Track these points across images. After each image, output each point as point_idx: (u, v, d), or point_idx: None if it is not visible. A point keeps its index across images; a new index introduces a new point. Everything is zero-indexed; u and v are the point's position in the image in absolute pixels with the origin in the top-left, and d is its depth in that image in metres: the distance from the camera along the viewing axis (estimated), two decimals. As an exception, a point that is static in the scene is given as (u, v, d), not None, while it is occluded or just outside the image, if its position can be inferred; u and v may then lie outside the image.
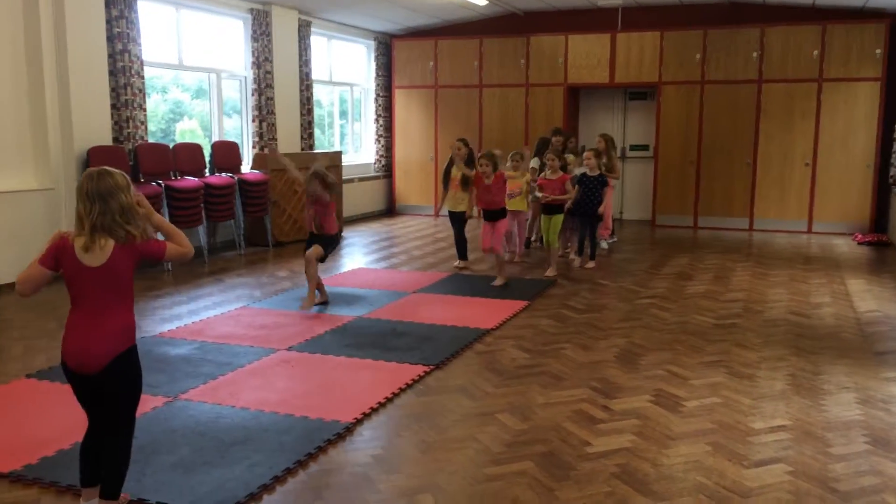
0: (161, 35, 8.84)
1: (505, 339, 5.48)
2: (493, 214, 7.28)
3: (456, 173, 7.86)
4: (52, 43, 7.31)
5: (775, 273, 7.98)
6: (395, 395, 4.32)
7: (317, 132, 11.62)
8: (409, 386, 4.47)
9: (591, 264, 8.07)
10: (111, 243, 2.69)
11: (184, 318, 5.99)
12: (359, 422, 3.93)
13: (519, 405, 4.21)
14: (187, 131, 9.89)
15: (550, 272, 7.72)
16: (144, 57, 8.26)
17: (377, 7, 11.19)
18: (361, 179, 12.42)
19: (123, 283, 2.76)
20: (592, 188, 7.97)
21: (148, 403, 4.09)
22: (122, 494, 2.91)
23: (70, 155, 7.47)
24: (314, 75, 11.30)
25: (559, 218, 7.81)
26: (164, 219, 2.93)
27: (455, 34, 12.65)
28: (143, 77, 8.17)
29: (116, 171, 2.76)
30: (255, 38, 9.88)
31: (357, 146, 13.07)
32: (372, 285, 7.20)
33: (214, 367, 4.72)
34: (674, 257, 8.93)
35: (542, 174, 8.02)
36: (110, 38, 7.82)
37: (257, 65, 9.92)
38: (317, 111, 11.58)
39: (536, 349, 5.26)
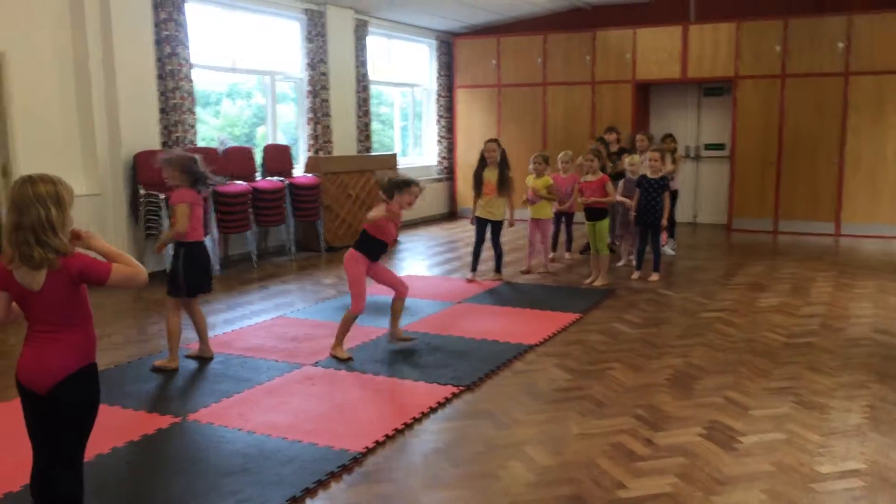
0: (214, 38, 8.72)
1: (547, 357, 5.04)
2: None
3: (490, 176, 7.27)
4: (98, 48, 7.25)
5: (861, 284, 7.25)
6: (416, 419, 3.96)
7: (376, 134, 11.38)
8: (432, 410, 4.10)
9: (654, 277, 7.46)
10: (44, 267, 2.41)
11: (216, 328, 5.78)
12: (370, 451, 3.58)
13: (551, 436, 3.78)
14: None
15: (598, 281, 7.21)
16: (195, 60, 8.16)
17: (437, 5, 10.87)
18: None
19: (68, 307, 2.48)
20: (653, 192, 7.37)
21: (153, 424, 3.86)
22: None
23: (117, 160, 7.40)
24: (373, 76, 11.06)
25: (604, 224, 7.29)
26: (107, 245, 2.58)
27: (518, 31, 12.20)
28: (191, 80, 8.06)
29: (50, 178, 2.43)
30: (309, 39, 9.69)
31: (419, 148, 12.78)
32: (417, 294, 6.82)
33: (232, 384, 4.46)
34: (748, 265, 8.27)
35: (584, 177, 7.53)
36: (158, 42, 7.72)
37: (312, 66, 9.73)
38: (377, 113, 11.34)
39: (581, 369, 4.81)
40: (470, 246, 7.80)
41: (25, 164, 6.83)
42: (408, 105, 12.57)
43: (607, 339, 5.46)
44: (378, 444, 3.65)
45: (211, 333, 5.62)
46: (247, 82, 9.43)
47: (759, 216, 10.80)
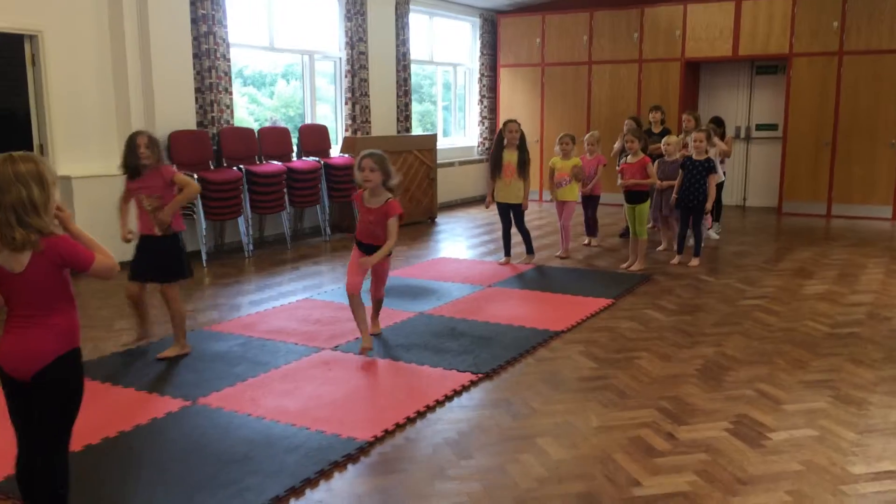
0: (251, 16, 8.68)
1: (573, 345, 4.87)
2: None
3: (510, 158, 6.99)
4: (135, 26, 7.25)
5: (916, 271, 6.89)
6: (430, 408, 3.85)
7: (420, 115, 11.25)
8: (447, 398, 3.98)
9: (694, 262, 7.19)
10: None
11: (242, 309, 5.75)
12: (378, 440, 3.48)
13: (568, 428, 3.63)
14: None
15: (636, 266, 6.97)
16: (232, 39, 8.12)
17: (479, -19, 10.65)
18: (462, 163, 11.95)
19: (52, 290, 2.42)
20: (697, 175, 7.08)
21: (163, 407, 3.82)
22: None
23: (152, 139, 7.40)
24: (414, 55, 10.91)
25: (644, 207, 7.04)
26: (83, 231, 2.52)
27: (564, 8, 11.88)
28: (228, 60, 8.02)
29: (32, 157, 2.36)
30: (348, 18, 9.57)
31: (461, 128, 12.61)
32: (448, 277, 6.73)
33: (248, 367, 4.41)
34: (796, 250, 7.93)
35: (624, 158, 7.25)
36: (195, 21, 7.69)
37: (351, 45, 9.62)
38: (421, 93, 11.20)
39: (607, 357, 4.63)
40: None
41: (62, 144, 6.90)
42: (450, 84, 12.39)
43: (638, 327, 5.26)
44: (387, 432, 3.55)
45: (236, 315, 5.61)
46: (298, 63, 9.43)
47: (811, 199, 10.37)
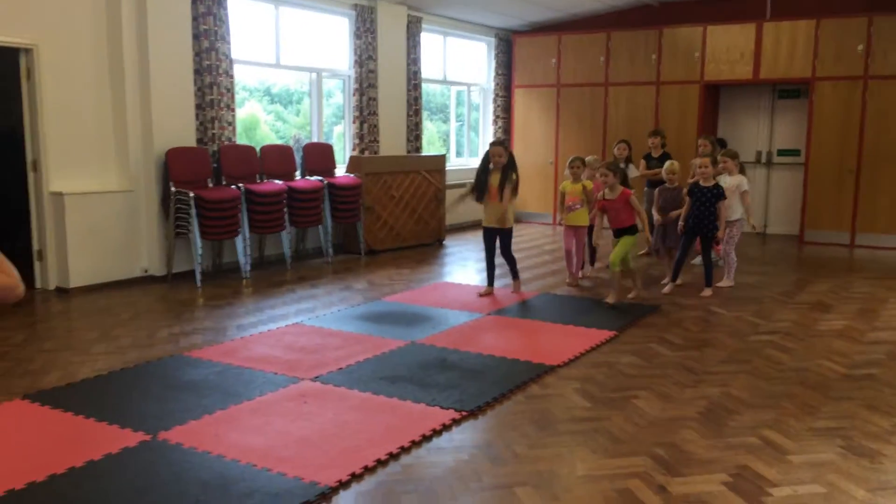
0: (257, 33, 8.54)
1: (569, 381, 4.58)
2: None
3: (493, 181, 6.57)
4: (134, 42, 7.12)
5: (942, 307, 6.52)
6: (404, 449, 3.58)
7: (432, 135, 11.05)
8: (425, 438, 3.70)
9: (707, 292, 6.87)
10: None
11: (227, 334, 5.53)
12: (342, 485, 3.21)
13: (551, 476, 3.33)
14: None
15: (610, 299, 6.53)
16: (235, 55, 7.98)
17: (496, 2, 10.45)
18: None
19: None
20: (706, 201, 6.77)
21: (120, 442, 3.59)
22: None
23: (150, 156, 7.26)
24: (426, 74, 10.73)
25: (628, 239, 6.53)
26: None
27: (581, 28, 11.68)
28: (231, 76, 7.88)
29: None
30: (357, 36, 9.42)
31: (474, 150, 12.38)
32: (447, 303, 6.47)
33: (219, 398, 4.17)
34: (815, 282, 7.57)
35: (601, 194, 6.74)
36: (196, 36, 7.56)
37: (360, 63, 9.46)
38: (435, 112, 11.01)
39: (603, 396, 4.33)
40: (519, 252, 7.28)
41: (56, 159, 6.76)
42: (463, 105, 12.19)
43: (640, 362, 4.96)
44: (354, 476, 3.29)
45: (223, 338, 5.39)
46: (327, 83, 9.34)
47: (834, 228, 10.00)
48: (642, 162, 8.70)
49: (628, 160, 8.19)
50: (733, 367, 4.89)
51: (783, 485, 3.27)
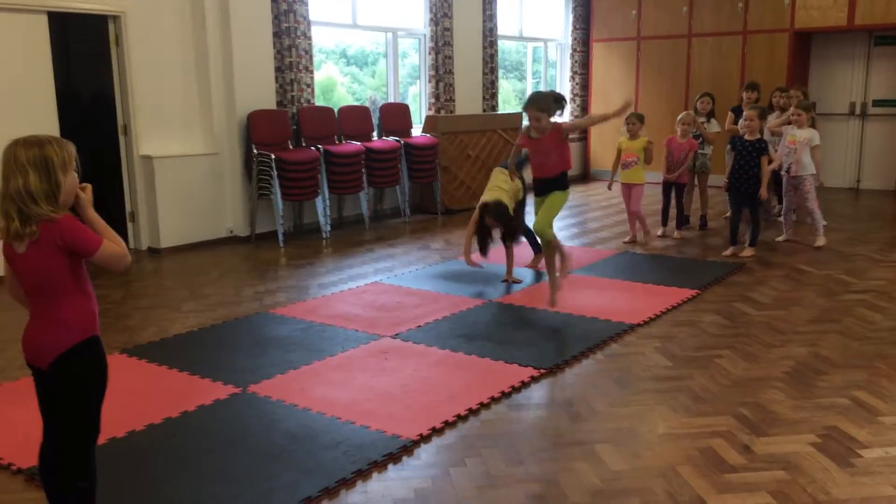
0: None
1: (650, 340, 4.53)
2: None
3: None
4: (215, 5, 7.24)
5: None
6: (484, 405, 3.62)
7: (502, 93, 10.93)
8: (504, 395, 3.73)
9: (748, 252, 6.58)
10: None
11: (310, 292, 5.67)
12: (424, 439, 3.28)
13: (631, 434, 3.32)
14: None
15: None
16: (313, 17, 8.04)
17: (571, -48, 10.19)
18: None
19: (56, 279, 2.29)
20: (748, 156, 6.45)
21: (212, 394, 3.74)
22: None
23: (233, 119, 7.42)
24: (502, 30, 10.58)
25: (556, 198, 5.18)
26: (99, 218, 2.36)
27: (662, -22, 11.27)
28: (310, 38, 7.94)
29: (38, 141, 2.20)
30: (433, -7, 9.34)
31: (551, 106, 12.18)
32: (522, 262, 6.45)
33: (304, 354, 4.29)
34: (912, 239, 7.24)
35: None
36: (275, -1, 7.64)
37: (435, 21, 9.39)
38: (507, 70, 10.88)
39: (684, 355, 4.27)
40: (597, 211, 7.20)
41: (145, 124, 6.99)
42: (539, 61, 11.99)
43: (724, 321, 4.86)
44: (435, 430, 3.35)
45: (306, 296, 5.53)
46: (402, 43, 9.37)
47: (934, 182, 9.49)
48: (730, 114, 8.33)
49: (711, 114, 7.92)
50: (822, 326, 4.74)
51: (874, 446, 3.17)
